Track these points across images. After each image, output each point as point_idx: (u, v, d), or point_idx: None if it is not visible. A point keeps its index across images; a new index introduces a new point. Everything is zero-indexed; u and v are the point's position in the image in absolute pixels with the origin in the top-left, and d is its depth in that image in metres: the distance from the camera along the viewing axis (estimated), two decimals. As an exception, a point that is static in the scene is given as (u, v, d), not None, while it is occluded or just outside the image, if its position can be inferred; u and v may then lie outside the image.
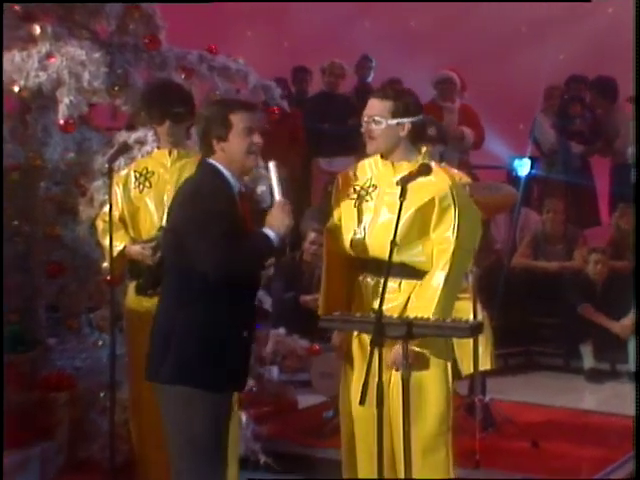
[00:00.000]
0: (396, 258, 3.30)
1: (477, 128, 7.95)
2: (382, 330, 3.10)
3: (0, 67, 4.60)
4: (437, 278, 3.36)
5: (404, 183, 3.24)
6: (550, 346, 7.04)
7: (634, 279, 6.19)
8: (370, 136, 3.45)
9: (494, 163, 8.33)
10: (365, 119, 3.47)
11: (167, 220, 3.38)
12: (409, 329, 3.16)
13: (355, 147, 8.64)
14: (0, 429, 4.05)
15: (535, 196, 8.23)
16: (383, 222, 3.44)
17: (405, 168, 3.43)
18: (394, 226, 3.20)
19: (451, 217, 3.37)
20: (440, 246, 3.37)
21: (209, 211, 3.09)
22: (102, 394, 4.49)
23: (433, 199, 3.38)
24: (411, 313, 3.33)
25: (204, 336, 3.14)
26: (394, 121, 3.41)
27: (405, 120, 3.42)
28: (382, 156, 3.52)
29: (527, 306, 7.19)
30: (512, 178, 7.78)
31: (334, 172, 8.66)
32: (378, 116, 3.42)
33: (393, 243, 3.18)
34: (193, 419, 3.13)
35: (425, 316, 3.28)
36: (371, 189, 3.49)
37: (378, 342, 3.09)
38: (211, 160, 3.23)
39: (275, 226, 3.21)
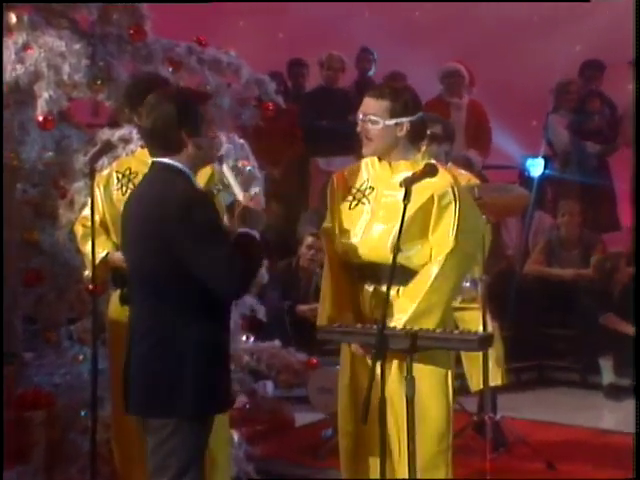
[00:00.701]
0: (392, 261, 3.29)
1: (484, 132, 7.95)
2: (385, 342, 3.10)
3: (0, 66, 4.59)
4: (428, 270, 3.38)
5: (408, 185, 3.23)
6: (566, 360, 7.03)
7: (634, 280, 6.21)
8: (366, 136, 3.48)
9: (505, 163, 8.33)
10: (361, 117, 3.49)
11: (132, 239, 3.17)
12: (413, 341, 3.17)
13: (355, 146, 8.74)
14: (0, 434, 4.06)
15: (549, 198, 8.21)
16: (380, 225, 3.45)
17: (403, 168, 3.46)
18: (396, 230, 3.20)
19: (450, 216, 3.39)
20: (438, 247, 3.40)
21: (210, 224, 2.99)
22: (83, 412, 4.48)
23: (432, 197, 3.40)
24: (396, 308, 3.34)
25: (214, 359, 3.08)
26: (392, 121, 3.44)
27: (404, 120, 3.44)
28: (379, 157, 3.54)
29: (541, 316, 7.18)
30: (524, 179, 7.79)
31: (333, 172, 8.73)
32: (375, 116, 3.44)
33: (396, 248, 3.18)
34: (182, 446, 3.09)
35: (407, 310, 3.31)
36: (368, 191, 3.50)
37: (380, 355, 3.08)
38: (170, 161, 3.06)
39: (252, 224, 3.13)
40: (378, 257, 3.42)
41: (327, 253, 3.63)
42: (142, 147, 4.16)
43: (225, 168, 3.27)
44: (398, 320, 3.36)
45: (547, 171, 7.67)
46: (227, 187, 3.26)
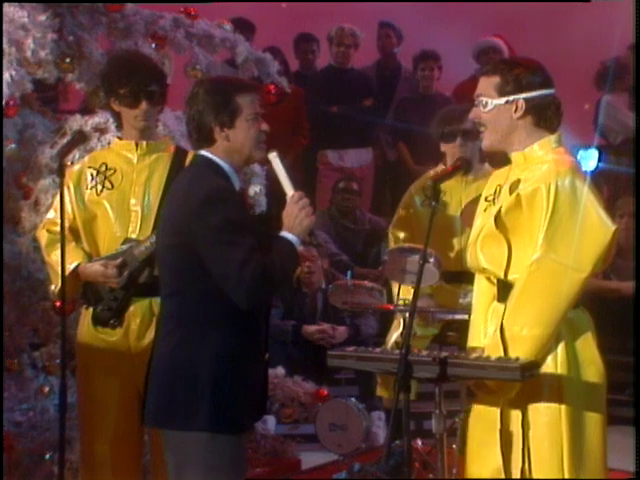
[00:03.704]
0: (483, 270, 3.38)
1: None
2: (409, 370, 3.11)
3: (0, 66, 4.62)
4: (514, 287, 3.33)
5: (436, 183, 3.27)
6: (626, 393, 7.01)
7: (635, 283, 6.20)
8: (480, 123, 3.45)
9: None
10: (475, 101, 3.47)
11: (163, 232, 3.43)
12: (442, 369, 3.16)
13: (372, 137, 8.76)
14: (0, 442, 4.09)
15: (605, 197, 8.19)
16: (481, 228, 3.45)
17: (521, 159, 3.41)
18: (425, 236, 3.25)
19: (541, 217, 3.30)
20: (525, 257, 3.33)
21: (230, 222, 3.22)
22: (48, 456, 4.49)
23: (519, 196, 3.34)
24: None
25: (237, 370, 3.25)
26: (502, 100, 3.40)
27: (518, 97, 3.38)
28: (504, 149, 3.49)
29: (597, 340, 7.15)
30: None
31: (346, 168, 8.80)
32: (484, 96, 3.42)
33: (423, 258, 3.21)
34: (220, 467, 3.24)
35: (490, 336, 3.28)
36: (498, 191, 3.48)
37: (404, 386, 3.09)
38: (207, 153, 3.36)
39: (294, 227, 3.31)
40: (475, 267, 3.45)
41: None
42: (119, 138, 4.17)
43: (274, 161, 3.38)
44: (483, 349, 3.33)
45: (602, 164, 7.63)
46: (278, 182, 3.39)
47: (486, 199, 3.52)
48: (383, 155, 8.52)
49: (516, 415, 3.32)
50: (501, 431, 3.30)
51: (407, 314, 4.05)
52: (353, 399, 5.40)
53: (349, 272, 6.03)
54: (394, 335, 4.85)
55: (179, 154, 4.07)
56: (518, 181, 3.35)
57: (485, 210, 3.47)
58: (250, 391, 3.30)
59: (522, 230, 3.35)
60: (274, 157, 3.39)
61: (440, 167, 4.76)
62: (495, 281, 3.42)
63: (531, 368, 3.26)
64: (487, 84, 3.42)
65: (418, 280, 3.25)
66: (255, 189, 5.08)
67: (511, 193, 3.34)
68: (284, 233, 3.30)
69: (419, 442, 4.91)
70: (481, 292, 3.49)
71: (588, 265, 3.31)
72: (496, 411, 3.33)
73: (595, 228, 3.31)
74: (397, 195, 5.51)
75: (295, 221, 3.30)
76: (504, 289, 3.36)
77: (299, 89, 7.82)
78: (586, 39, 8.46)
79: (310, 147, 8.29)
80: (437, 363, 3.17)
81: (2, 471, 4.24)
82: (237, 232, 3.21)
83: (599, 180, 7.90)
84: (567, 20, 8.77)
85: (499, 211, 3.35)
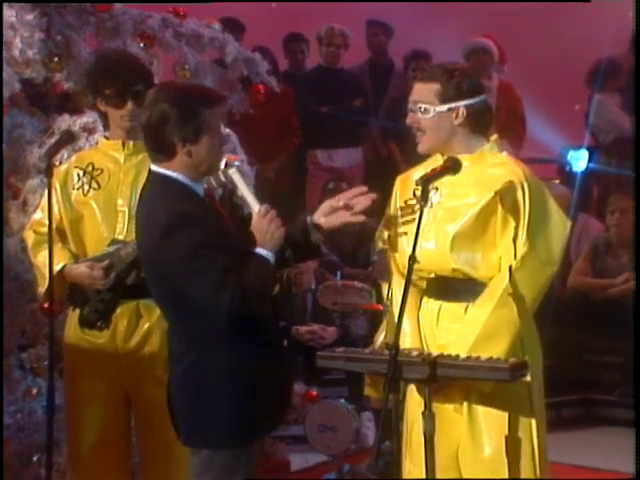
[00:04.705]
0: (453, 271, 3.39)
1: (517, 118, 7.96)
2: (399, 371, 3.12)
3: (0, 63, 4.63)
4: (494, 285, 3.39)
5: (425, 183, 3.28)
6: (615, 393, 7.02)
7: (635, 282, 6.23)
8: (418, 129, 3.51)
9: (542, 155, 8.33)
10: (410, 106, 3.52)
11: (142, 260, 3.41)
12: (432, 370, 3.18)
13: (362, 136, 8.77)
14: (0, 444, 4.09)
15: (595, 198, 8.20)
16: (439, 231, 3.47)
17: (468, 163, 3.46)
18: (413, 237, 3.26)
19: (520, 217, 3.39)
20: (507, 254, 3.41)
21: (197, 247, 3.14)
22: (35, 458, 4.50)
23: (496, 195, 3.41)
24: (459, 332, 3.38)
25: (250, 387, 3.28)
26: (444, 107, 3.46)
27: (459, 104, 3.46)
28: (440, 152, 3.56)
29: (585, 340, 7.17)
30: (565, 174, 7.79)
31: (335, 168, 8.81)
32: (424, 103, 3.47)
33: (412, 259, 3.23)
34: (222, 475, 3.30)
35: (470, 334, 3.32)
36: (432, 192, 3.50)
37: (393, 387, 3.11)
38: (163, 170, 3.26)
39: (266, 242, 3.28)
40: (437, 268, 3.46)
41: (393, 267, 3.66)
42: (106, 138, 4.18)
43: (236, 176, 3.35)
44: (461, 347, 3.36)
45: (592, 165, 7.64)
46: (240, 198, 3.37)
47: (406, 203, 3.56)
48: (375, 150, 8.52)
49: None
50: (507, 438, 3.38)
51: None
52: (343, 400, 5.42)
53: (339, 272, 6.06)
54: (382, 335, 4.87)
55: None
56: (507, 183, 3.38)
57: (412, 213, 3.50)
58: (268, 401, 3.30)
59: (492, 228, 3.42)
60: (234, 172, 3.36)
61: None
62: (431, 280, 3.49)
63: (520, 368, 3.31)
64: (426, 90, 3.49)
65: (407, 281, 3.25)
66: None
67: (483, 192, 3.38)
68: (258, 250, 3.26)
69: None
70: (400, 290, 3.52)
71: (558, 259, 3.47)
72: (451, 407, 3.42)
73: (558, 225, 3.48)
74: (387, 195, 5.52)
75: (266, 236, 3.27)
76: (453, 287, 3.44)
77: (289, 89, 7.84)
78: (578, 39, 8.48)
79: (300, 147, 8.30)
80: (427, 364, 3.19)
81: (2, 471, 4.23)
82: (206, 257, 3.15)
83: (590, 181, 7.93)
84: (560, 19, 8.78)
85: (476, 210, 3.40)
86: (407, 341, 3.49)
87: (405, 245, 3.51)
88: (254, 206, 3.32)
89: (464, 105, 3.46)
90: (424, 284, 3.55)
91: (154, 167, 3.29)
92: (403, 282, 3.48)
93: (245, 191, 3.34)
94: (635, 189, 6.80)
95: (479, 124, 3.51)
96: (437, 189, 3.51)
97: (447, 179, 3.48)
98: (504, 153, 3.54)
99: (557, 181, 7.95)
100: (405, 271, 3.44)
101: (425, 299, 3.56)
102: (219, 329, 3.21)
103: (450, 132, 3.49)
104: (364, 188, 3.51)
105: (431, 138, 3.50)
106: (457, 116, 3.47)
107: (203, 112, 3.21)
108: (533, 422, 3.49)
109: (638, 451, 4.46)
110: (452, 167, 3.40)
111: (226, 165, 3.41)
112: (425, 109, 3.47)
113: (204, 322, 3.24)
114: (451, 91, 3.45)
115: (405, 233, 3.53)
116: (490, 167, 3.48)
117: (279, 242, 3.29)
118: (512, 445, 3.42)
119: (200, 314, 3.21)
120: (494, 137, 3.56)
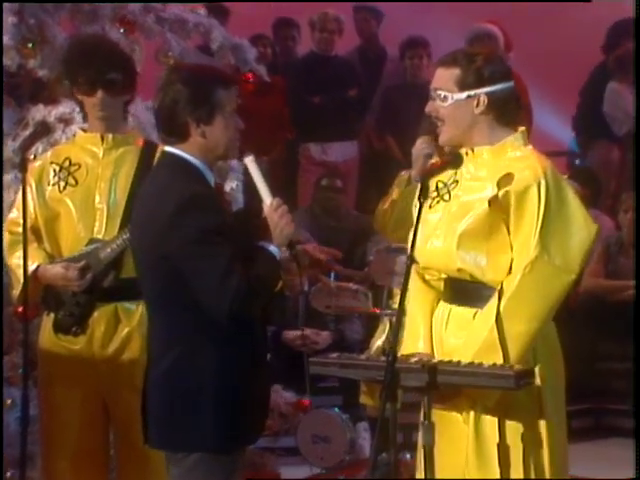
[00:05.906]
0: (458, 271, 3.35)
1: (523, 110, 7.93)
2: (396, 378, 3.09)
3: (0, 65, 4.61)
4: (503, 289, 3.33)
5: (424, 178, 3.26)
6: (626, 402, 7.01)
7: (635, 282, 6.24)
8: (437, 117, 3.45)
9: (550, 148, 8.31)
10: (431, 93, 3.46)
11: (138, 245, 3.40)
12: (432, 377, 3.15)
13: (357, 129, 8.75)
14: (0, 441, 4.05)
15: (610, 193, 8.19)
16: (449, 228, 3.42)
17: (488, 155, 3.42)
18: (412, 234, 3.24)
19: (533, 216, 3.32)
20: (518, 257, 3.34)
21: (207, 232, 3.19)
22: (9, 473, 4.46)
23: (509, 192, 3.33)
24: (466, 339, 3.34)
25: (237, 386, 3.28)
26: (463, 94, 3.40)
27: (479, 91, 3.39)
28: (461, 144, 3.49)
29: (596, 346, 7.16)
30: (575, 168, 7.77)
31: (329, 163, 8.80)
32: (443, 90, 3.42)
33: (410, 259, 3.20)
34: None
35: (476, 341, 3.29)
36: (452, 185, 3.47)
37: (391, 395, 3.08)
38: (177, 151, 3.32)
39: (274, 237, 3.31)
40: (443, 267, 3.42)
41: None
42: (84, 130, 4.15)
43: (251, 165, 3.36)
44: (465, 356, 3.32)
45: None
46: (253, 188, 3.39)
47: (440, 189, 3.49)
48: (369, 144, 8.50)
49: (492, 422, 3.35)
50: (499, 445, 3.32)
51: (394, 318, 4.03)
52: (337, 409, 5.42)
53: (332, 274, 6.03)
54: (378, 340, 4.85)
55: (148, 148, 4.03)
56: (506, 176, 3.33)
57: (431, 207, 3.45)
58: (252, 406, 3.31)
59: (504, 228, 3.35)
60: (250, 161, 3.37)
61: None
62: (444, 281, 3.44)
63: (526, 376, 3.27)
64: (446, 76, 3.42)
65: (405, 282, 3.21)
66: (232, 185, 5.05)
67: (499, 189, 3.32)
68: (265, 244, 3.30)
69: (407, 456, 4.89)
70: (417, 293, 3.51)
71: (577, 266, 3.36)
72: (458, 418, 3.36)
73: (581, 228, 3.37)
74: (384, 191, 5.50)
75: (275, 231, 3.31)
76: (463, 290, 3.39)
77: (280, 78, 7.82)
78: (595, 20, 8.47)
79: (292, 140, 8.28)
80: (426, 370, 3.16)
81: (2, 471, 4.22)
82: (216, 242, 3.20)
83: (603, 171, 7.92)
84: (563, 15, 8.80)
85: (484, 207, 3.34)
86: (420, 346, 3.44)
87: (419, 242, 3.43)
88: (266, 198, 3.34)
89: (485, 92, 3.39)
90: (441, 286, 3.50)
91: (167, 148, 3.36)
92: (419, 283, 3.50)
93: (259, 182, 3.36)
94: (635, 189, 6.78)
95: (504, 113, 3.43)
96: (457, 182, 3.46)
97: (467, 171, 3.44)
98: (529, 147, 3.45)
99: (565, 176, 7.94)
100: (421, 270, 3.45)
101: (441, 302, 3.50)
102: (212, 319, 3.21)
103: (471, 122, 3.41)
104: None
105: (450, 128, 3.43)
106: (478, 104, 3.39)
107: (217, 92, 3.29)
108: (545, 438, 3.45)
109: (638, 449, 4.38)
110: (452, 162, 3.36)
111: (242, 154, 3.45)
112: (444, 96, 3.41)
113: (192, 315, 3.24)
114: (471, 77, 3.38)
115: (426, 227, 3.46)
116: (509, 161, 3.40)
117: (287, 238, 3.31)
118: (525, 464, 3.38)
119: (194, 304, 3.21)
120: (522, 128, 3.47)
